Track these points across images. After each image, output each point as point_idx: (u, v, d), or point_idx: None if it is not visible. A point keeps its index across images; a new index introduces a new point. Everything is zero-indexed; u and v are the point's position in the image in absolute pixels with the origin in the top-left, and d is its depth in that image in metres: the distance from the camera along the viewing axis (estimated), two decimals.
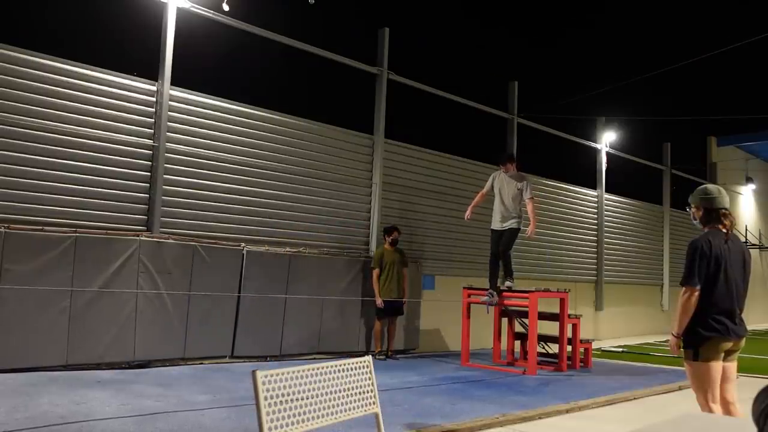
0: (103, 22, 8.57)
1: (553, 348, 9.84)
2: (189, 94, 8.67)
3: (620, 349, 12.73)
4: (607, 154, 15.77)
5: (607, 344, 13.58)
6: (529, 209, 9.33)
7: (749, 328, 4.44)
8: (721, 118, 17.54)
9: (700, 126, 19.25)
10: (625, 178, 16.47)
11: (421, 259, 11.14)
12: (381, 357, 9.60)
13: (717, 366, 4.23)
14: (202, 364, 8.19)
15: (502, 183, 9.46)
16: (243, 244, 8.80)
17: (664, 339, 14.08)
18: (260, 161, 9.33)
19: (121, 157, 8.02)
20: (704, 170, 20.12)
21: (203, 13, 8.65)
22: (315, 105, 10.54)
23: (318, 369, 2.91)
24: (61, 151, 7.56)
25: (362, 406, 3.09)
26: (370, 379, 3.17)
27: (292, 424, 2.65)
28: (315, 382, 2.86)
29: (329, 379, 2.94)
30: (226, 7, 8.58)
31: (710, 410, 4.19)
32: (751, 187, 21.53)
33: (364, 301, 9.93)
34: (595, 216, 15.49)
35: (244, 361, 8.55)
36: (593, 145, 15.63)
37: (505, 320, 10.24)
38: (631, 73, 14.11)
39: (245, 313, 8.63)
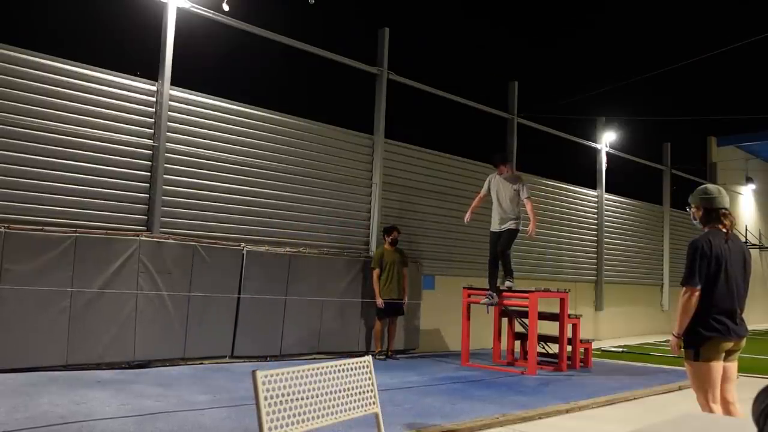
0: (103, 22, 8.57)
1: (553, 348, 9.84)
2: (189, 94, 8.67)
3: (620, 349, 12.73)
4: (607, 154, 15.77)
5: (607, 344, 13.58)
6: (528, 209, 9.34)
7: (749, 328, 4.43)
8: (721, 118, 17.55)
9: (700, 126, 19.27)
10: (625, 178, 16.47)
11: (421, 259, 11.14)
12: (381, 357, 9.60)
13: (717, 366, 4.23)
14: (202, 364, 8.19)
15: (498, 186, 9.47)
16: (243, 244, 8.80)
17: (664, 339, 14.09)
18: (260, 161, 9.33)
19: (121, 157, 8.02)
20: (704, 170, 20.12)
21: (203, 13, 8.65)
22: (315, 105, 10.53)
23: (318, 369, 2.91)
24: (61, 151, 7.56)
25: (362, 406, 3.09)
26: (370, 379, 3.17)
27: (292, 424, 2.65)
28: (315, 382, 2.86)
29: (329, 379, 2.94)
30: (226, 7, 8.58)
31: (710, 410, 4.19)
32: (751, 187, 21.53)
33: (364, 301, 9.92)
34: (595, 216, 15.49)
35: (244, 361, 8.55)
36: (593, 145, 15.63)
37: (505, 320, 10.24)
38: (631, 73, 14.13)
39: (245, 313, 8.63)
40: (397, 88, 11.12)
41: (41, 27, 8.39)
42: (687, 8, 18.13)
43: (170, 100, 8.38)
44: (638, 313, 16.65)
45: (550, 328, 9.83)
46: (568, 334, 9.65)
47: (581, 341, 9.92)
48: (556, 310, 9.57)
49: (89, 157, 7.77)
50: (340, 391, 2.97)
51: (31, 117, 7.35)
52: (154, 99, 8.30)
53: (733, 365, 4.37)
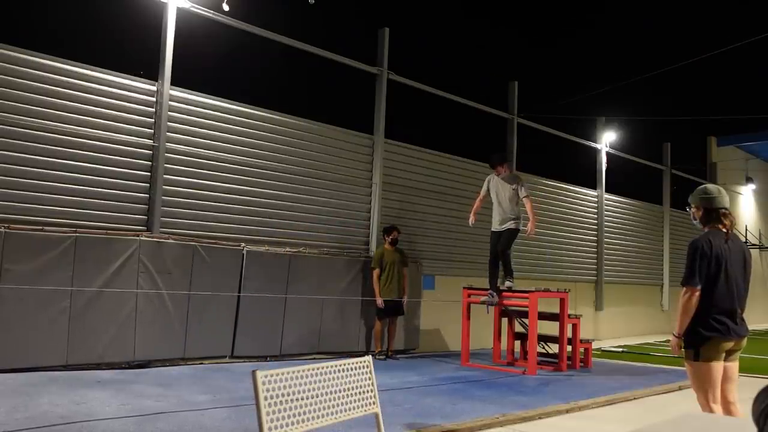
0: (103, 22, 8.57)
1: (553, 348, 9.84)
2: (189, 94, 8.67)
3: (620, 349, 12.73)
4: (607, 154, 15.77)
5: (607, 344, 13.58)
6: (527, 207, 9.35)
7: (749, 328, 4.43)
8: (721, 118, 17.55)
9: (700, 126, 19.26)
10: (625, 178, 16.47)
11: (421, 259, 11.14)
12: (381, 357, 9.60)
13: (718, 366, 4.23)
14: (202, 364, 8.19)
15: (497, 186, 9.48)
16: (243, 244, 8.80)
17: (665, 339, 14.09)
18: (260, 161, 9.33)
19: (121, 157, 8.02)
20: (704, 170, 20.11)
21: (203, 13, 8.65)
22: (315, 105, 10.54)
23: (318, 369, 2.91)
24: (61, 151, 7.56)
25: (362, 406, 3.09)
26: (370, 379, 3.17)
27: (292, 424, 2.64)
28: (315, 382, 2.86)
29: (329, 379, 2.94)
30: (226, 7, 8.58)
31: (711, 410, 4.18)
32: (751, 187, 21.53)
33: (364, 301, 9.92)
34: (595, 216, 15.49)
35: (244, 361, 8.55)
36: (593, 145, 15.63)
37: (505, 320, 10.24)
38: (631, 73, 14.12)
39: (245, 313, 8.63)
40: (397, 88, 11.12)
41: (41, 27, 8.38)
42: (687, 8, 18.14)
43: (170, 100, 8.38)
44: (638, 313, 16.64)
45: (550, 328, 9.83)
46: (568, 334, 9.65)
47: (581, 341, 9.92)
48: (556, 310, 9.57)
49: (89, 157, 7.77)
50: (340, 391, 2.97)
51: (31, 117, 7.35)
52: (154, 99, 8.30)
53: (734, 365, 4.37)
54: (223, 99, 9.02)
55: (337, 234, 10.20)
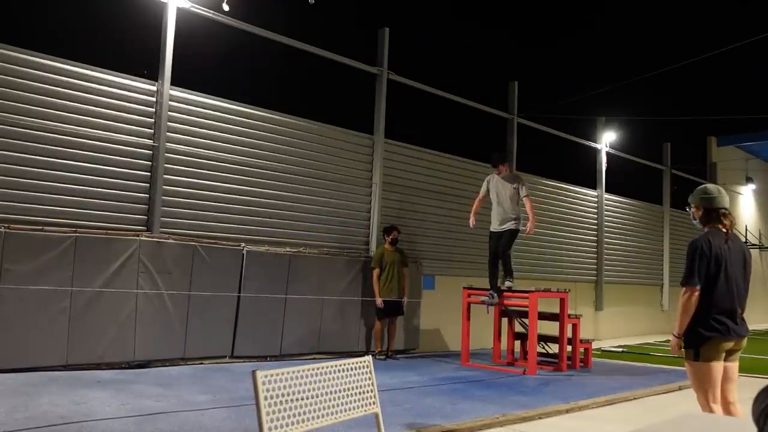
0: (103, 22, 8.57)
1: (553, 348, 9.84)
2: (189, 94, 8.67)
3: (620, 349, 12.73)
4: (607, 154, 15.77)
5: (607, 344, 13.58)
6: (527, 207, 9.35)
7: (749, 328, 4.43)
8: (721, 118, 17.55)
9: (700, 126, 19.26)
10: (625, 178, 16.47)
11: (421, 259, 11.14)
12: (381, 357, 9.60)
13: (718, 366, 4.22)
14: (202, 364, 8.19)
15: (497, 186, 9.47)
16: (243, 244, 8.80)
17: (665, 339, 14.08)
18: (260, 161, 9.33)
19: (121, 157, 8.02)
20: (704, 170, 20.11)
21: (203, 13, 8.65)
22: (315, 105, 10.53)
23: (318, 369, 2.91)
24: (61, 151, 7.56)
25: (362, 406, 3.09)
26: (370, 379, 3.17)
27: (292, 424, 2.65)
28: (315, 382, 2.86)
29: (329, 379, 2.94)
30: (226, 7, 8.58)
31: (711, 410, 4.18)
32: (751, 187, 21.53)
33: (364, 301, 9.92)
34: (595, 216, 15.49)
35: (244, 361, 8.55)
36: (593, 145, 15.63)
37: (505, 320, 10.24)
38: (631, 73, 14.11)
39: (245, 313, 8.63)
40: (397, 88, 11.12)
41: (41, 27, 8.38)
42: (687, 8, 18.14)
43: (170, 100, 8.38)
44: (638, 313, 16.64)
45: (550, 328, 9.83)
46: (568, 334, 9.65)
47: (581, 341, 9.92)
48: (556, 310, 9.57)
49: (89, 157, 7.77)
50: (340, 391, 2.97)
51: (31, 117, 7.35)
52: (154, 99, 8.30)
53: (734, 365, 4.37)
54: (223, 99, 9.02)
55: (337, 234, 10.20)
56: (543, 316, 9.41)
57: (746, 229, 21.01)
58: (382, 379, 4.44)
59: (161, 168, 8.22)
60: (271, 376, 2.62)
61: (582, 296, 14.47)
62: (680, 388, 8.07)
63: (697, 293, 4.22)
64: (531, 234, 9.54)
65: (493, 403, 6.57)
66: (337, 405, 2.94)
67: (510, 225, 9.34)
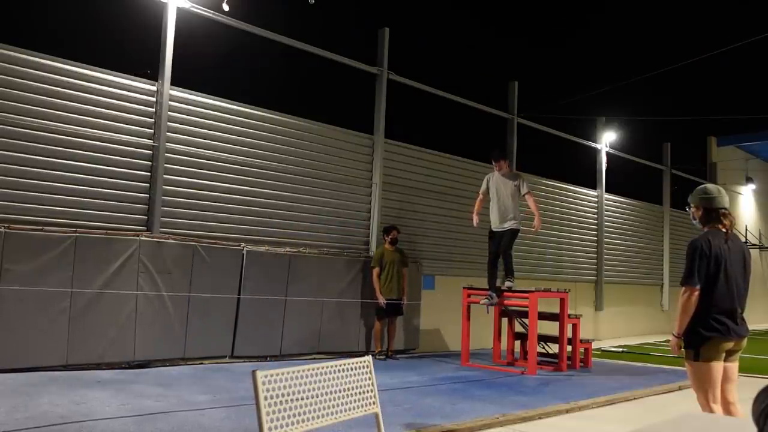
0: (103, 22, 8.57)
1: (553, 348, 9.84)
2: (189, 94, 8.67)
3: (620, 349, 12.73)
4: (607, 154, 15.77)
5: (607, 344, 13.58)
6: (530, 203, 9.32)
7: (749, 328, 4.43)
8: (721, 118, 17.55)
9: (700, 126, 19.26)
10: (625, 178, 16.47)
11: (421, 259, 11.14)
12: (381, 357, 9.60)
13: (718, 366, 4.22)
14: (202, 364, 8.19)
15: (498, 183, 9.42)
16: (243, 244, 8.80)
17: (664, 339, 14.08)
18: (260, 161, 9.33)
19: (121, 157, 8.02)
20: (704, 170, 20.12)
21: (203, 13, 8.65)
22: (315, 105, 10.53)
23: (318, 369, 2.91)
24: (61, 151, 7.56)
25: (362, 406, 3.09)
26: (370, 379, 3.17)
27: (292, 424, 2.65)
28: (315, 382, 2.86)
29: (329, 379, 2.94)
30: (226, 7, 8.58)
31: (711, 410, 4.18)
32: (751, 187, 21.53)
33: (364, 301, 9.92)
34: (595, 216, 15.49)
35: (244, 361, 8.55)
36: (593, 145, 15.63)
37: (505, 320, 10.24)
38: (631, 73, 14.11)
39: (245, 313, 8.63)
40: (397, 88, 11.12)
41: (41, 27, 8.38)
42: (687, 8, 18.14)
43: (170, 100, 8.38)
44: (638, 313, 16.65)
45: (550, 328, 9.83)
46: (568, 334, 9.65)
47: (581, 341, 9.92)
48: (556, 310, 9.57)
49: (89, 157, 7.77)
50: (340, 391, 2.97)
51: (31, 117, 7.35)
52: (154, 99, 8.30)
53: (734, 366, 4.37)
54: (223, 99, 9.02)
55: (337, 234, 10.20)
56: (543, 316, 9.41)
57: (746, 229, 21.01)
58: (382, 379, 4.44)
59: (161, 168, 8.22)
60: (271, 376, 2.62)
61: (582, 296, 14.47)
62: (680, 388, 8.07)
63: (696, 293, 4.22)
64: (538, 229, 9.53)
65: (493, 403, 6.57)
66: (337, 405, 2.94)
67: (511, 225, 9.31)
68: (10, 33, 7.36)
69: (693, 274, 4.22)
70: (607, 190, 15.78)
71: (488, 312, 9.61)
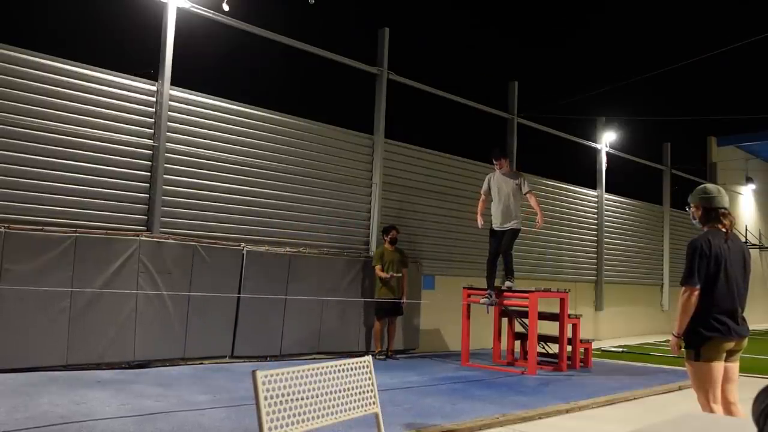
0: (103, 22, 8.57)
1: (553, 348, 9.84)
2: (189, 94, 8.67)
3: (620, 349, 12.73)
4: (607, 154, 15.77)
5: (607, 344, 13.57)
6: (532, 202, 9.33)
7: (749, 327, 4.43)
8: (721, 118, 17.55)
9: (700, 126, 19.26)
10: (625, 178, 16.47)
11: (421, 259, 11.14)
12: (381, 357, 9.60)
13: (718, 366, 4.22)
14: (202, 364, 8.19)
15: (499, 182, 9.42)
16: (243, 244, 8.80)
17: (664, 339, 14.08)
18: (260, 161, 9.33)
19: (121, 157, 8.02)
20: (704, 170, 20.11)
21: (203, 13, 8.65)
22: (315, 105, 10.54)
23: (318, 369, 2.91)
24: (61, 151, 7.56)
25: (362, 406, 3.09)
26: (370, 379, 3.17)
27: (292, 424, 2.64)
28: (315, 382, 2.86)
29: (329, 379, 2.94)
30: (226, 7, 8.58)
31: (711, 410, 4.18)
32: (751, 187, 21.53)
33: (364, 301, 9.92)
34: (595, 216, 15.49)
35: (244, 361, 8.55)
36: (593, 145, 15.63)
37: (505, 320, 10.24)
38: (631, 73, 14.12)
39: (245, 313, 8.63)
40: (397, 88, 11.12)
41: (41, 27, 8.39)
42: (686, 8, 18.14)
43: (170, 100, 8.38)
44: (638, 313, 16.64)
45: (550, 328, 9.83)
46: (568, 334, 9.65)
47: (581, 341, 9.91)
48: (556, 310, 9.57)
49: (89, 157, 7.77)
50: (340, 391, 2.97)
51: (31, 117, 7.35)
52: (154, 99, 8.30)
53: (734, 366, 4.36)
54: (223, 99, 9.02)
55: (337, 234, 10.20)
56: (543, 316, 9.41)
57: (746, 229, 21.01)
58: (382, 379, 4.44)
59: (161, 168, 8.22)
60: (271, 376, 2.62)
61: (582, 296, 14.47)
62: (680, 388, 8.07)
63: (696, 293, 4.22)
64: (541, 226, 9.53)
65: (493, 403, 6.57)
66: (337, 405, 2.94)
67: (513, 224, 9.31)
68: (10, 33, 7.37)
69: (693, 274, 4.22)
70: (607, 190, 15.78)
71: (488, 312, 9.62)
